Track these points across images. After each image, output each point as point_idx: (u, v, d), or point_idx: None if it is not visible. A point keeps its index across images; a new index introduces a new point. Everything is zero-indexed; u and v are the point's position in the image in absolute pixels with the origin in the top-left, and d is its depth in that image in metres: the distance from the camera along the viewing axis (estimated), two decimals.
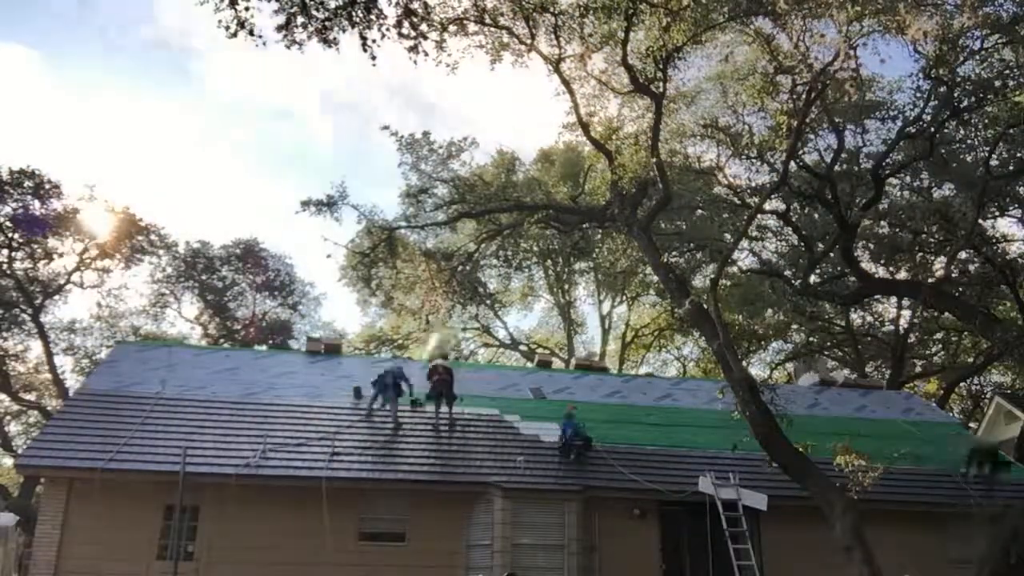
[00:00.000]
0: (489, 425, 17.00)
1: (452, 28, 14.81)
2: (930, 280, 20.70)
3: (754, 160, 19.36)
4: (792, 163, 16.65)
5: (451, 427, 16.56)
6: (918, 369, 33.34)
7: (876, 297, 27.84)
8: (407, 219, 21.68)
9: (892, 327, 31.68)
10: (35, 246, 27.84)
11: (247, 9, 8.57)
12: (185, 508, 13.72)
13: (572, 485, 15.07)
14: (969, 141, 19.70)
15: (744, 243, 24.73)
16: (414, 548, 14.44)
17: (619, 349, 37.40)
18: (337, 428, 15.79)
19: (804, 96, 14.81)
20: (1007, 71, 15.48)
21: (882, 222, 24.31)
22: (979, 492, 16.47)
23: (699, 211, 23.37)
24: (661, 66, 15.35)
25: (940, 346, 33.34)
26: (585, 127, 17.89)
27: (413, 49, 10.49)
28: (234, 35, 8.64)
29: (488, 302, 36.09)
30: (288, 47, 9.22)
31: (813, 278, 19.94)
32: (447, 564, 14.44)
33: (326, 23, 9.18)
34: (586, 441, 16.01)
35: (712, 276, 16.12)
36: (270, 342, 33.42)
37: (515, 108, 67.19)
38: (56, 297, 29.21)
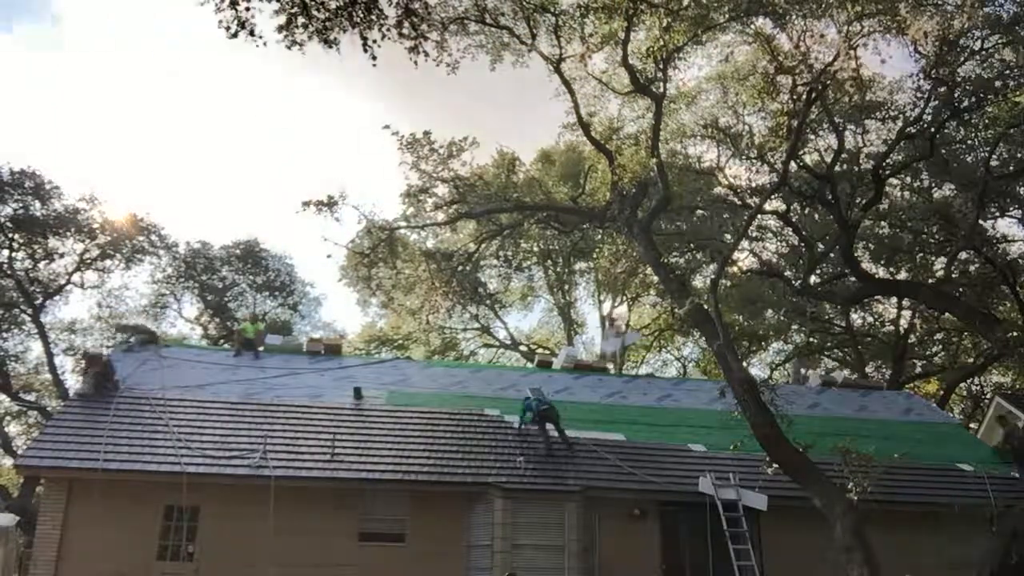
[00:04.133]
0: (489, 425, 17.00)
1: (453, 28, 14.86)
2: (930, 280, 20.72)
3: (754, 160, 19.37)
4: (792, 163, 16.68)
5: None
6: (918, 369, 33.30)
7: (876, 297, 27.85)
8: (407, 219, 21.65)
9: (892, 327, 31.68)
10: (35, 246, 27.82)
11: (248, 9, 8.58)
12: (185, 508, 13.74)
13: (572, 485, 15.06)
14: (969, 141, 19.74)
15: (744, 243, 24.74)
16: (414, 548, 14.43)
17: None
18: (337, 428, 15.81)
19: (804, 96, 14.83)
20: (1007, 71, 15.52)
21: (882, 222, 24.35)
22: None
23: (699, 211, 23.35)
24: (661, 66, 15.38)
25: (940, 346, 33.29)
26: (585, 127, 17.92)
27: (414, 49, 10.49)
28: (234, 35, 8.65)
29: (488, 302, 36.07)
30: (288, 47, 9.23)
31: (813, 278, 19.95)
32: (447, 564, 14.44)
33: (326, 23, 9.16)
34: (550, 406, 16.23)
35: (712, 276, 16.12)
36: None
37: (515, 108, 67.16)
38: (56, 297, 29.15)
